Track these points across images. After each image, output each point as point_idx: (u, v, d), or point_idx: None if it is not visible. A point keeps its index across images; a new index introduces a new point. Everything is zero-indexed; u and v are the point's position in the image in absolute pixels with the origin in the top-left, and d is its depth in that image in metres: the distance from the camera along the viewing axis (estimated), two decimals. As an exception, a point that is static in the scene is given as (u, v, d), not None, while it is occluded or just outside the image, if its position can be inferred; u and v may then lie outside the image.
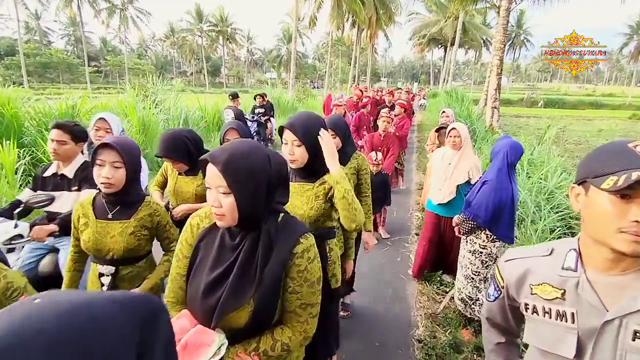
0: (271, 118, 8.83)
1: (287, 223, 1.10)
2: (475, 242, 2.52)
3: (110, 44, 67.26)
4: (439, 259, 3.23)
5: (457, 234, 2.66)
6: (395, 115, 5.97)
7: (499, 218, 2.37)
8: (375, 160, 3.64)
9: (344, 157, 2.12)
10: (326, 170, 1.64)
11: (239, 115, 6.66)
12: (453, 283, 3.12)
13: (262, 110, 8.33)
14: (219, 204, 0.99)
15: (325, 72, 30.47)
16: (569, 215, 4.33)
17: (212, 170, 0.99)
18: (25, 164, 5.65)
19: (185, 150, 2.10)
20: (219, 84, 64.50)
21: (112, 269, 1.62)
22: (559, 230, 4.00)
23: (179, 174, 2.27)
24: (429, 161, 4.19)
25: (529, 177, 5.00)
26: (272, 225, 1.06)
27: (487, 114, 9.72)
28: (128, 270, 1.66)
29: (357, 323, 2.70)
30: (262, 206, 1.02)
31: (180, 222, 2.02)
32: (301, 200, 1.66)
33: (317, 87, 48.20)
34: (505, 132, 10.87)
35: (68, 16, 50.40)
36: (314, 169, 1.64)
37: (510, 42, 51.61)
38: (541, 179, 5.24)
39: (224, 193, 0.98)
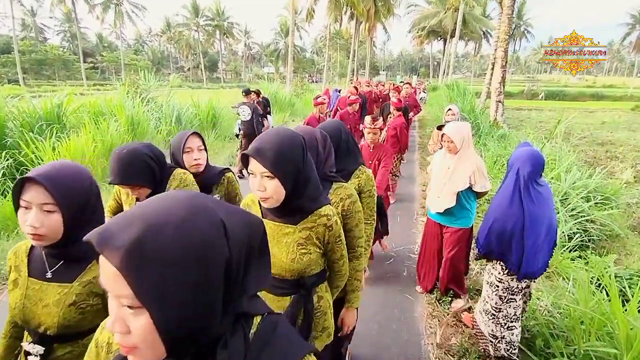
0: (268, 115, 8.48)
1: (267, 339, 0.61)
2: (492, 274, 2.14)
3: (106, 40, 66.56)
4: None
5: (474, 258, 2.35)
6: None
7: (509, 247, 1.99)
8: None
9: (344, 175, 1.73)
10: (312, 207, 1.24)
11: (255, 111, 6.72)
12: (470, 307, 2.80)
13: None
14: (124, 328, 0.52)
15: (324, 66, 30.03)
16: (587, 219, 4.02)
17: (106, 266, 0.51)
18: (6, 168, 5.35)
19: (149, 172, 1.64)
20: (216, 79, 63.88)
21: (40, 349, 1.10)
22: (578, 238, 3.69)
23: (138, 199, 1.76)
24: (430, 164, 3.89)
25: (550, 175, 4.68)
26: (236, 348, 0.58)
27: (492, 108, 9.36)
28: (66, 350, 1.13)
29: (360, 358, 2.38)
30: (213, 318, 0.55)
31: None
32: (279, 248, 1.26)
33: (316, 82, 47.76)
34: (510, 126, 10.53)
35: (63, 12, 49.84)
36: (295, 207, 1.21)
37: (510, 33, 50.90)
38: (553, 178, 4.93)
39: (131, 308, 0.51)
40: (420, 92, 22.74)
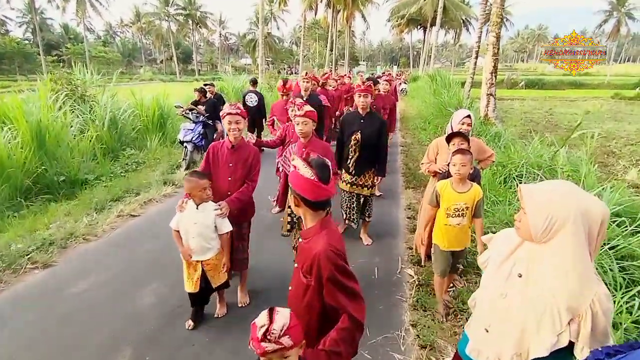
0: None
1: None
2: None
3: (73, 31, 62.55)
4: None
5: None
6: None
7: None
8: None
9: None
10: None
11: (261, 99, 7.20)
12: None
13: (202, 107, 6.51)
14: None
15: (304, 56, 28.53)
16: (634, 264, 2.88)
17: None
18: None
19: None
20: (191, 72, 61.13)
21: None
22: (626, 289, 2.53)
23: None
24: (428, 197, 2.63)
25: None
26: None
27: (482, 101, 8.23)
28: None
29: None
30: None
31: None
32: None
33: (295, 73, 46.29)
34: (500, 120, 9.45)
35: (25, 2, 46.40)
36: None
37: (488, 22, 50.08)
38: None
39: None
40: (401, 83, 21.60)
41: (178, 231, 2.43)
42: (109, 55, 50.43)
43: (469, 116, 2.97)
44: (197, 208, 2.40)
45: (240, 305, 2.82)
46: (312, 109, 2.91)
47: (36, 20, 45.47)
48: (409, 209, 4.66)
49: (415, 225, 3.93)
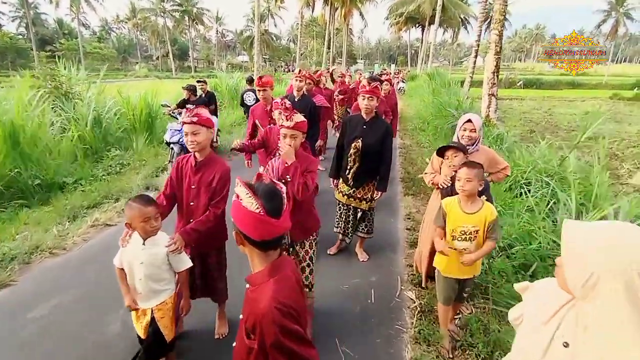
0: (214, 116, 6.75)
1: None
2: None
3: (68, 26, 61.71)
4: None
5: None
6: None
7: None
8: None
9: None
10: None
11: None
12: None
13: (191, 106, 6.20)
14: None
15: (301, 54, 28.14)
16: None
17: None
18: None
19: None
20: (187, 68, 60.57)
21: None
22: None
23: None
24: (432, 212, 2.32)
25: (585, 215, 3.18)
26: None
27: (483, 102, 7.93)
28: None
29: None
30: None
31: None
32: None
33: (292, 70, 45.95)
34: (502, 121, 9.17)
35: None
36: None
37: (487, 20, 49.65)
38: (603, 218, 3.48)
39: None
40: (399, 82, 21.29)
41: (123, 269, 1.93)
42: (104, 51, 49.79)
43: (469, 121, 2.54)
44: (143, 243, 1.89)
45: (217, 336, 2.44)
46: (303, 118, 2.31)
47: (29, 14, 44.83)
48: (409, 218, 4.29)
49: (416, 238, 3.61)
